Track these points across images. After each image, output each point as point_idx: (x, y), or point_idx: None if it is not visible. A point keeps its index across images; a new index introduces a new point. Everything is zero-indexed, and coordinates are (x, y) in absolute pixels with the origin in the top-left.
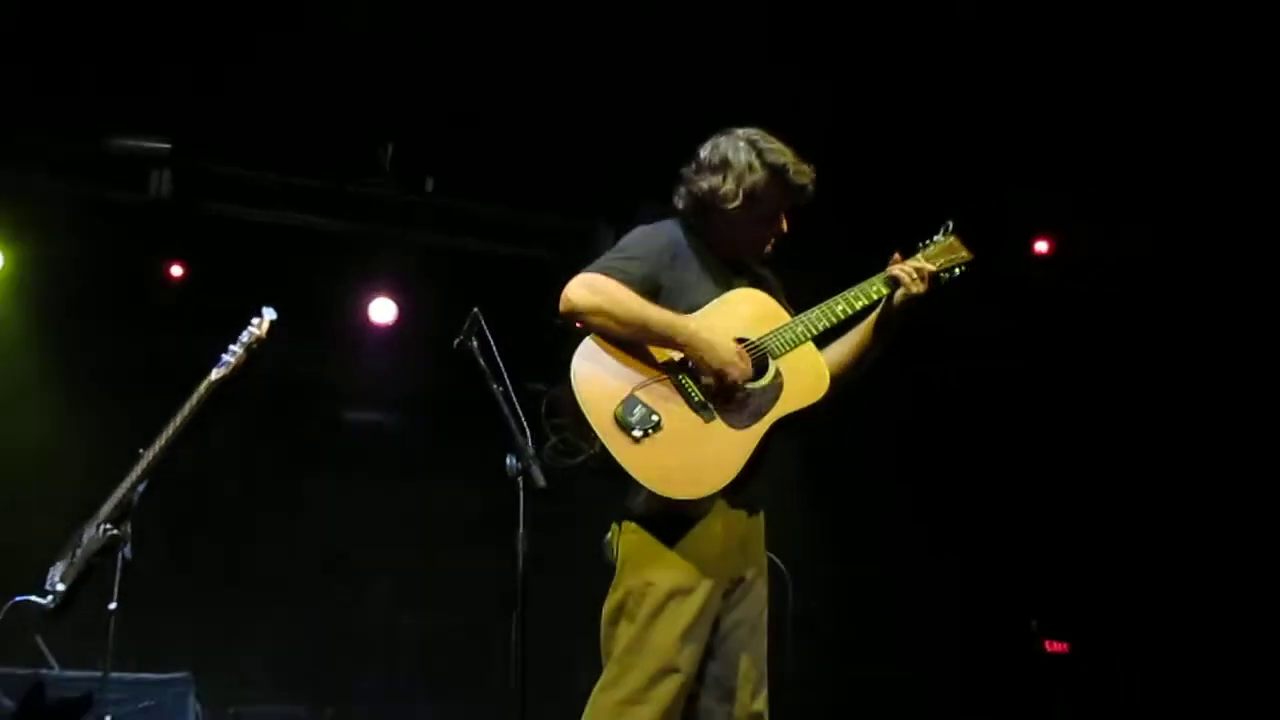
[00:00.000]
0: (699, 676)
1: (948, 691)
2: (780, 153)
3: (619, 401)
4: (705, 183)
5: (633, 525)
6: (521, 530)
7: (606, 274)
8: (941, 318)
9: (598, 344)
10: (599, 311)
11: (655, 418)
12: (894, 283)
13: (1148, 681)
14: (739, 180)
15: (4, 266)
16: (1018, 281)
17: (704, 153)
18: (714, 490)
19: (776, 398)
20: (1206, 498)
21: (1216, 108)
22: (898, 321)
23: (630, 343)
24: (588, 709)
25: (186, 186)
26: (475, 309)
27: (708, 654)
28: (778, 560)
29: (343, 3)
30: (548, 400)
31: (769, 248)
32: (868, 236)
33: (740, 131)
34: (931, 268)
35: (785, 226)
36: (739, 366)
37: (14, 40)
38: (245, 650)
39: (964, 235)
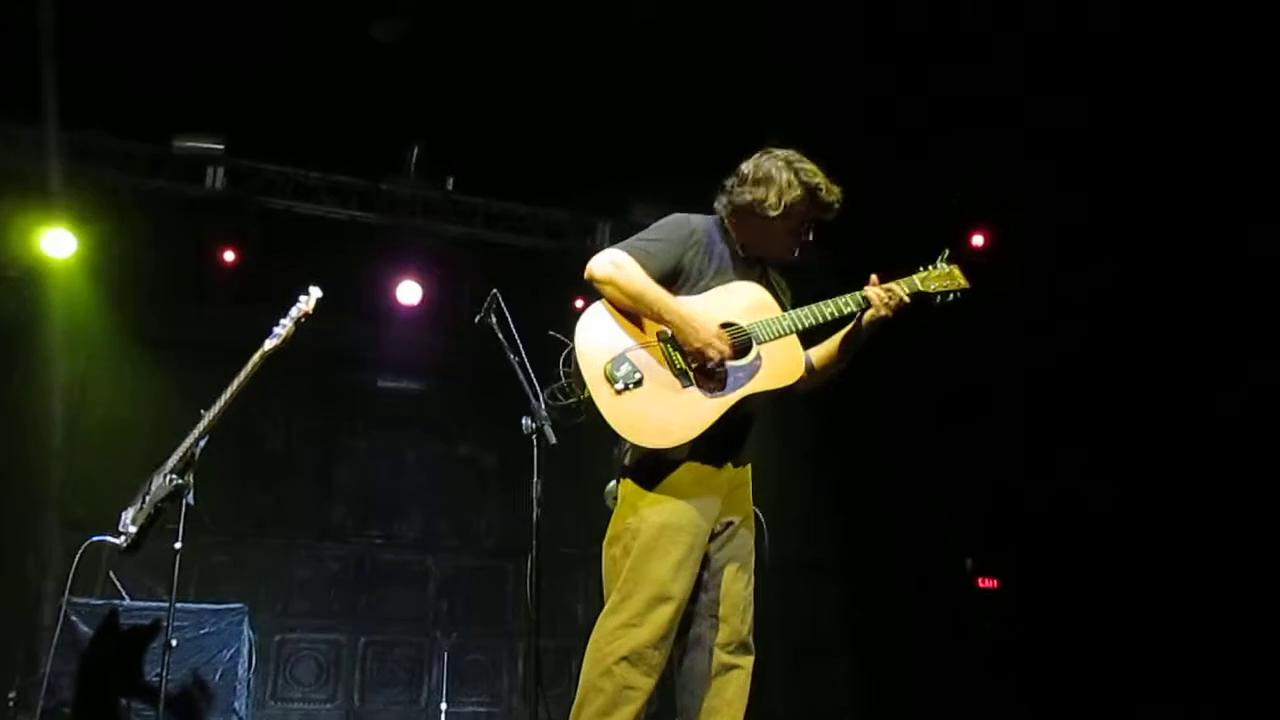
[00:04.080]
0: (694, 606)
1: (896, 620)
2: (814, 174)
3: (611, 358)
4: (749, 195)
5: (628, 476)
6: (536, 479)
7: (629, 251)
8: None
9: (606, 308)
10: (610, 281)
11: (638, 376)
12: (865, 302)
13: (1064, 611)
14: (780, 194)
15: (78, 250)
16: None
17: (746, 169)
18: (676, 444)
19: (752, 376)
20: (1118, 455)
21: (1149, 102)
22: (864, 337)
23: (633, 312)
24: (594, 632)
25: (239, 182)
26: (494, 290)
27: (701, 587)
28: (757, 511)
29: (375, 22)
30: (566, 351)
31: (797, 252)
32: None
33: (779, 152)
34: (903, 293)
35: (810, 236)
36: (716, 347)
37: (88, 55)
38: (291, 585)
39: (960, 264)
